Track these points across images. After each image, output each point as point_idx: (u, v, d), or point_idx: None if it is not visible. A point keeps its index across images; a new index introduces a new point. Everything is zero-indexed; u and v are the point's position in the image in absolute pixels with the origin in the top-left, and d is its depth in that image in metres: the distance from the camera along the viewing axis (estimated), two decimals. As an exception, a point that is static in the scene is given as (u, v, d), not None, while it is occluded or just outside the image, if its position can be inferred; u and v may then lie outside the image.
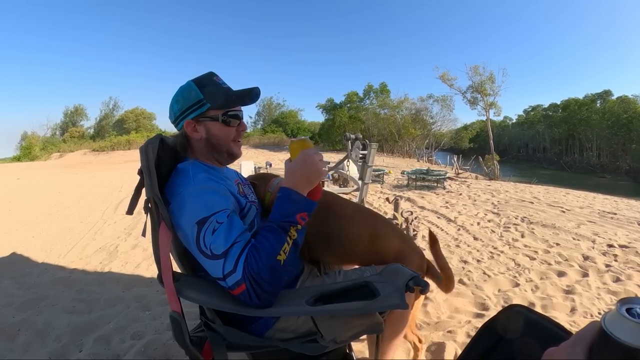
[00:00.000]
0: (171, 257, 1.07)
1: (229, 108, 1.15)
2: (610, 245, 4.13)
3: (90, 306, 2.78)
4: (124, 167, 21.62)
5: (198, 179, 1.05)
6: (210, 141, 1.16)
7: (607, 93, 44.87)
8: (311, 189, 1.05)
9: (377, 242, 1.38)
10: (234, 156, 1.22)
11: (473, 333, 2.20)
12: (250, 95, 1.17)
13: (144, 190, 1.08)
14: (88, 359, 2.07)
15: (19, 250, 4.53)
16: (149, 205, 1.03)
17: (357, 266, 1.44)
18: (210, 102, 1.12)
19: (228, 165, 1.29)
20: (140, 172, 1.07)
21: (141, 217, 1.10)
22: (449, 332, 2.23)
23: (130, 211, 1.10)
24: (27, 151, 39.31)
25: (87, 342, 2.24)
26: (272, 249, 0.92)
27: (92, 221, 6.23)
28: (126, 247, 4.40)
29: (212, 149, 1.17)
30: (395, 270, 1.03)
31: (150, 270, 3.55)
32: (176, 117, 1.16)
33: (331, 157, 17.61)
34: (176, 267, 1.11)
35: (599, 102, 45.25)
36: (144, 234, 1.08)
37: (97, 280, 3.33)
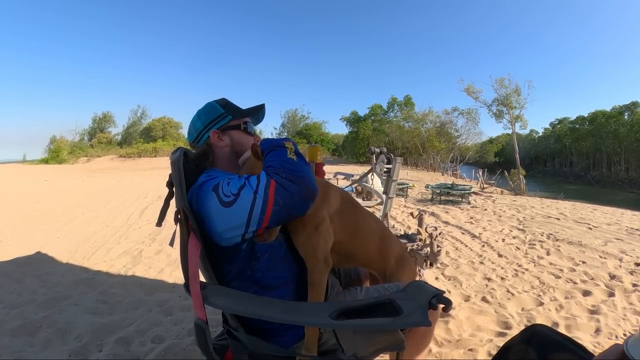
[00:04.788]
0: None
1: (246, 119, 1.30)
2: (638, 264, 3.97)
3: (113, 308, 2.84)
4: (150, 174, 22.09)
5: (204, 176, 1.12)
6: (234, 148, 1.25)
7: (635, 105, 43.59)
8: None
9: (385, 242, 1.42)
10: None
11: (494, 352, 2.14)
12: (262, 110, 1.37)
13: (172, 201, 1.12)
14: (108, 359, 2.11)
15: (44, 249, 4.68)
16: (179, 216, 1.04)
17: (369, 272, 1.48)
18: (231, 114, 1.26)
19: None
20: (169, 184, 1.11)
21: (166, 223, 1.13)
22: (470, 350, 2.18)
23: (159, 223, 1.15)
24: (55, 154, 40.57)
25: (107, 342, 2.29)
26: (279, 155, 1.01)
27: (117, 225, 6.39)
28: (150, 252, 4.48)
29: (236, 156, 1.25)
30: (419, 287, 1.01)
31: (173, 276, 3.61)
32: (199, 133, 1.25)
33: (354, 170, 17.59)
34: (201, 277, 1.12)
35: (626, 114, 43.94)
36: (171, 244, 1.11)
37: (120, 283, 3.40)
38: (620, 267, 3.90)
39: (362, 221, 1.36)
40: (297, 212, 0.99)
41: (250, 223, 0.95)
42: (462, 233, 5.78)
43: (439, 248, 2.46)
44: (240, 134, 1.26)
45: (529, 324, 2.05)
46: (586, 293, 3.14)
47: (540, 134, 64.07)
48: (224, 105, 1.27)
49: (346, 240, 1.27)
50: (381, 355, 1.12)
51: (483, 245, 4.91)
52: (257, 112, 1.35)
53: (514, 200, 10.76)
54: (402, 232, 2.91)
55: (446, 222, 6.75)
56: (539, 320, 2.57)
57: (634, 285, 3.32)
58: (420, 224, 2.87)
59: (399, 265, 1.43)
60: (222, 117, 1.24)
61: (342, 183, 7.56)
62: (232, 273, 1.08)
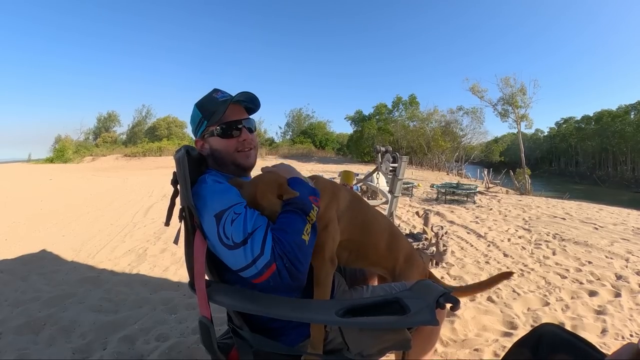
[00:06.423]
0: None
1: (222, 119, 1.15)
2: (645, 265, 3.94)
3: (117, 306, 2.84)
4: (155, 173, 22.12)
5: (211, 180, 1.09)
6: (214, 155, 1.19)
7: (641, 104, 43.14)
8: None
9: (394, 239, 1.41)
10: (241, 167, 1.21)
11: (500, 352, 2.13)
12: (225, 102, 1.15)
13: (177, 199, 1.11)
14: (112, 358, 2.11)
15: (49, 248, 4.70)
16: (184, 213, 1.04)
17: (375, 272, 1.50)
18: (206, 119, 1.17)
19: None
20: (174, 183, 1.10)
21: (170, 221, 1.12)
22: (476, 350, 2.16)
23: (167, 222, 1.13)
24: (60, 153, 40.53)
25: (111, 340, 2.29)
26: (297, 227, 0.95)
27: (122, 224, 6.40)
28: (155, 251, 4.49)
29: (218, 163, 1.20)
30: (426, 286, 1.00)
31: (177, 274, 3.61)
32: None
33: (359, 169, 17.55)
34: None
35: (632, 113, 43.41)
36: (176, 242, 1.10)
37: (125, 281, 3.41)
38: (626, 267, 3.86)
39: (372, 219, 1.35)
40: (279, 293, 1.02)
41: (242, 273, 0.95)
42: (468, 232, 5.76)
43: (445, 247, 2.45)
44: (217, 140, 1.18)
45: (536, 324, 2.04)
46: (592, 293, 3.11)
47: (546, 133, 63.70)
48: (202, 107, 1.19)
49: (356, 238, 1.27)
50: (386, 354, 1.11)
51: (489, 245, 4.88)
52: (224, 106, 1.14)
53: (520, 200, 10.70)
54: (407, 232, 2.89)
55: (451, 222, 6.72)
56: (545, 320, 2.54)
57: (641, 285, 3.28)
58: (426, 223, 2.86)
59: (408, 263, 1.42)
60: (200, 123, 1.19)
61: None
62: (234, 279, 1.07)
